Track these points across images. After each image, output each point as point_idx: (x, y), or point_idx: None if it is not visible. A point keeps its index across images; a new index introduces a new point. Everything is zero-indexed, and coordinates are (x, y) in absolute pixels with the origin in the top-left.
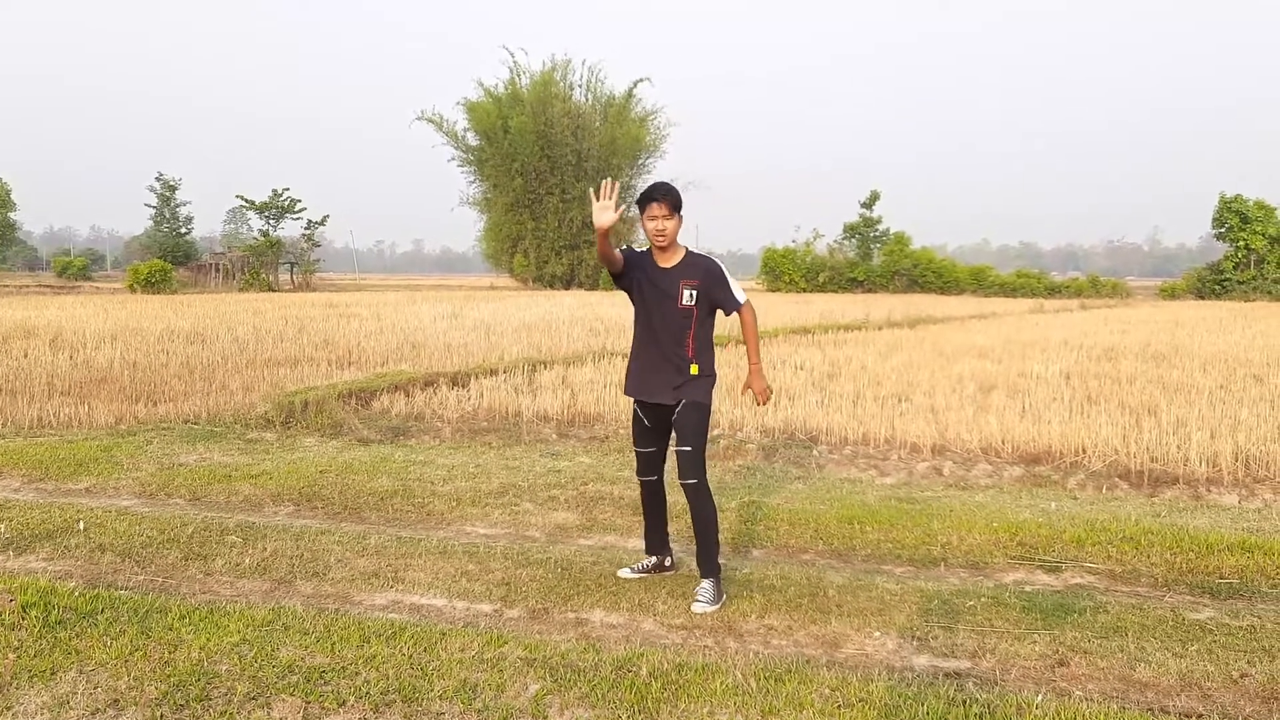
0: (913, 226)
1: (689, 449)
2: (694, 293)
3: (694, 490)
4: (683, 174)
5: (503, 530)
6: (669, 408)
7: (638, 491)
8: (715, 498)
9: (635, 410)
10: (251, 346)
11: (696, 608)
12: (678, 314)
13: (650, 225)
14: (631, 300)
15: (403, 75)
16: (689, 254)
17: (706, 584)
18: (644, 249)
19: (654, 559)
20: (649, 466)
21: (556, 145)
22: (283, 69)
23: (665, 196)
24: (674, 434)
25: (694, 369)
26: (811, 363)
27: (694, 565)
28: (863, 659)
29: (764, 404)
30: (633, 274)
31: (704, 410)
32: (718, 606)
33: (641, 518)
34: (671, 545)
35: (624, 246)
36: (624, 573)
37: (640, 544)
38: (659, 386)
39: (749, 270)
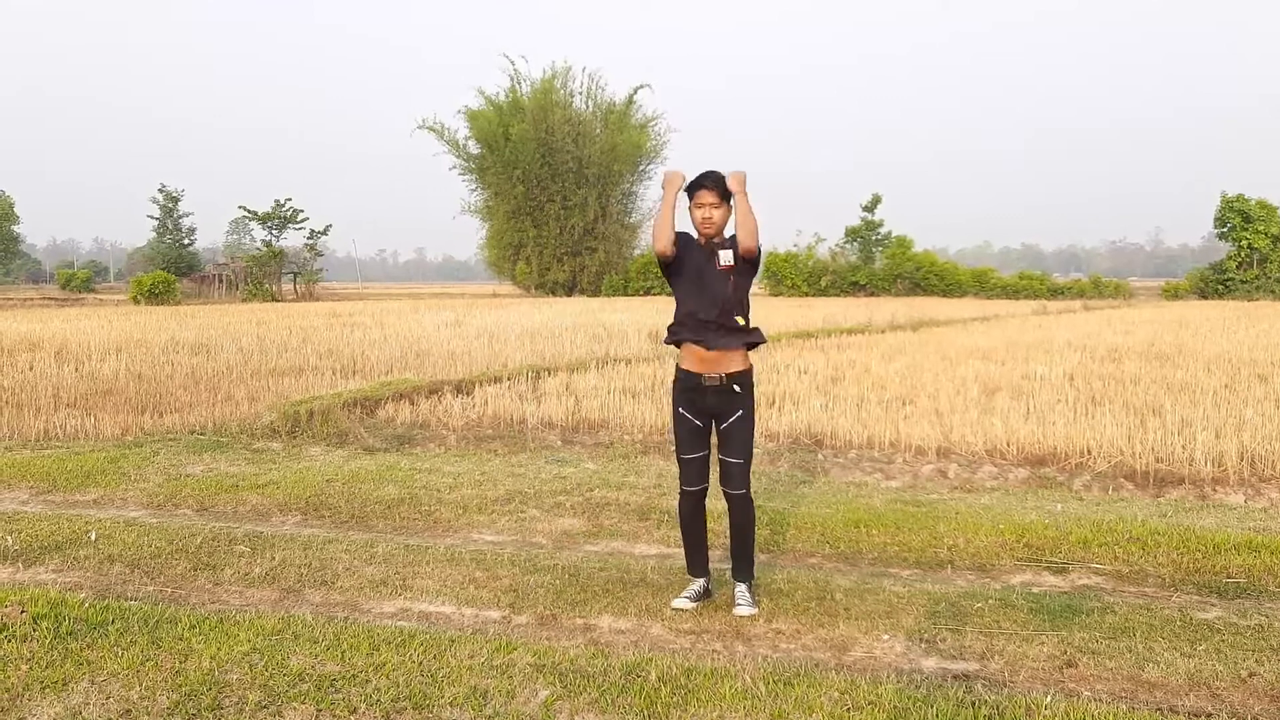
0: (914, 229)
1: (742, 461)
2: (730, 251)
3: (745, 499)
4: None
5: (509, 537)
6: (716, 395)
7: (642, 497)
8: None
9: (679, 412)
10: (256, 357)
11: (744, 611)
12: (718, 276)
13: (698, 214)
14: (672, 285)
15: (406, 86)
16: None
17: (746, 587)
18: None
19: (703, 582)
20: (699, 474)
21: (557, 152)
22: (285, 81)
23: (715, 184)
24: (722, 443)
25: (740, 319)
26: (815, 367)
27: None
28: (871, 662)
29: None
30: (679, 254)
31: (752, 421)
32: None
33: (672, 530)
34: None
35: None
36: (680, 603)
37: (649, 550)
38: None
39: None
